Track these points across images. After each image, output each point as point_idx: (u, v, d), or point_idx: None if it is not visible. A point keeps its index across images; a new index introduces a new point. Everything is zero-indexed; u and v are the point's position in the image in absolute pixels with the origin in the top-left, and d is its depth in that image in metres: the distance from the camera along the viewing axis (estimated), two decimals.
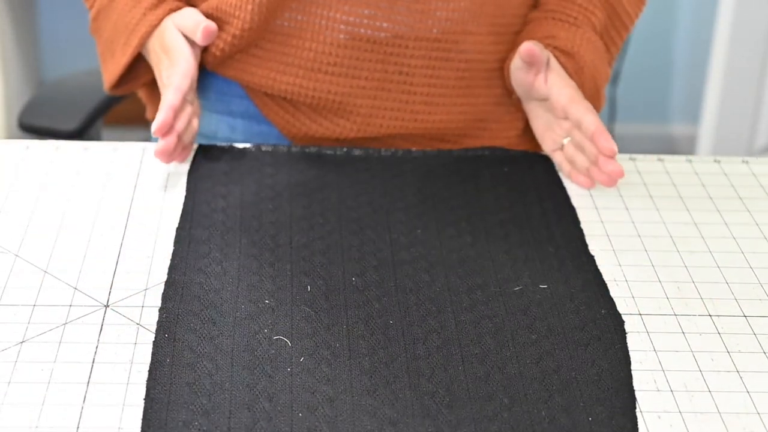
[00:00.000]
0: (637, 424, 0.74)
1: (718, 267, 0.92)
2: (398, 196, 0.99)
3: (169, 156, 0.98)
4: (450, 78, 1.09)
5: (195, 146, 1.05)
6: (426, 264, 0.89)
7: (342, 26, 1.05)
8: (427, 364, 0.78)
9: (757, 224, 0.98)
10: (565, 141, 1.04)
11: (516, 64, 1.07)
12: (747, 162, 1.09)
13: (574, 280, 0.88)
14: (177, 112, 0.99)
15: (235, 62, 1.09)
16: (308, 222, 0.94)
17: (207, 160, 1.03)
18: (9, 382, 0.75)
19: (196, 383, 0.75)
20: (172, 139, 0.97)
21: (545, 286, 0.87)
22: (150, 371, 0.76)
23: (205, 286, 0.85)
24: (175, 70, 1.02)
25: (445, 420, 0.73)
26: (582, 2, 1.10)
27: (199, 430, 0.71)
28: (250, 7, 1.04)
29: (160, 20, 1.06)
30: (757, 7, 2.41)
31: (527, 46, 1.02)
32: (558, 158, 1.05)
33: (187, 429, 0.71)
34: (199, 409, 0.73)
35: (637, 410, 0.75)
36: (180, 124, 0.99)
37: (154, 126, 0.96)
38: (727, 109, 2.50)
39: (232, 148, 1.05)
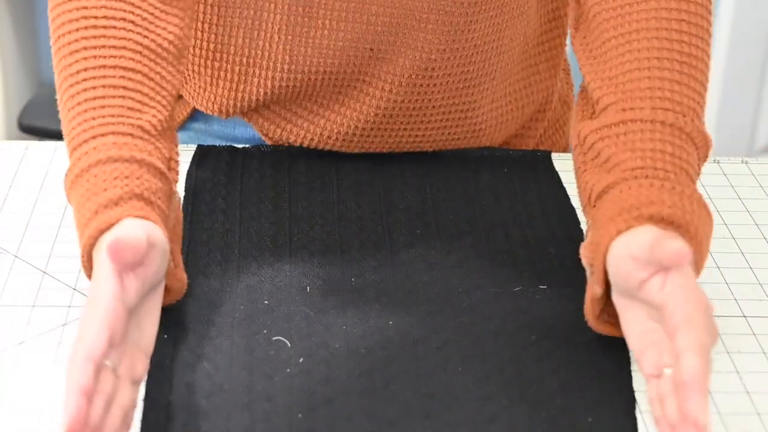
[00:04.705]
0: (636, 425, 0.74)
1: (718, 267, 0.91)
2: (398, 196, 0.99)
3: None
4: (465, 132, 1.06)
5: (194, 147, 1.05)
6: (426, 264, 0.89)
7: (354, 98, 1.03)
8: (427, 364, 0.78)
9: (757, 224, 0.98)
10: (667, 372, 0.72)
11: (626, 252, 0.77)
12: (747, 162, 1.09)
13: (574, 281, 0.88)
14: (90, 394, 0.67)
15: (243, 113, 1.06)
16: (308, 222, 0.94)
17: (207, 160, 1.03)
18: (9, 383, 0.75)
19: (195, 384, 0.75)
20: None
21: (545, 287, 0.87)
22: (149, 372, 0.76)
23: (204, 287, 0.85)
24: (84, 328, 0.70)
25: (444, 421, 0.73)
26: (672, 150, 0.82)
27: (198, 430, 0.71)
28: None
29: (110, 226, 0.76)
30: (757, 7, 2.41)
31: (677, 249, 0.73)
32: (651, 392, 0.73)
33: (187, 430, 0.71)
34: (198, 409, 0.73)
35: (637, 411, 0.75)
36: (96, 411, 0.67)
37: (64, 425, 0.65)
38: (727, 109, 2.50)
39: (232, 148, 1.05)
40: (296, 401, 0.74)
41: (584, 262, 0.82)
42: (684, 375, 0.68)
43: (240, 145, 1.06)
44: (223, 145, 1.07)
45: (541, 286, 0.87)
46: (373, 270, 0.88)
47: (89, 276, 0.78)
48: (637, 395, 0.76)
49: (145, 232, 0.75)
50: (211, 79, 1.04)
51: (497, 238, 0.93)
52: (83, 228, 0.78)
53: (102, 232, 0.76)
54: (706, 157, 0.86)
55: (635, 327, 0.77)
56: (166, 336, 0.79)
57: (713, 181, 1.05)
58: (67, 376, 0.68)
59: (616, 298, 0.79)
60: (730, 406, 0.76)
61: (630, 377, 0.78)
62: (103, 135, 0.81)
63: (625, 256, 0.77)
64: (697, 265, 0.80)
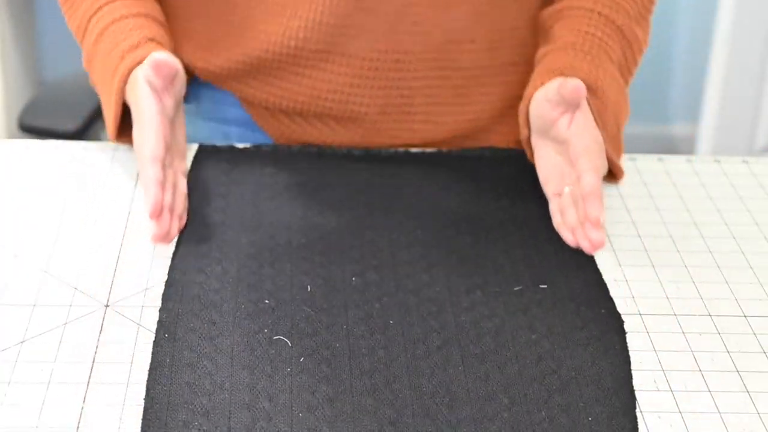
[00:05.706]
0: (637, 424, 0.74)
1: (718, 267, 0.92)
2: (398, 196, 0.99)
3: (169, 237, 0.89)
4: (448, 96, 1.08)
5: (195, 146, 1.05)
6: (426, 264, 0.89)
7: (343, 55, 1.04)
8: (427, 364, 0.78)
9: (757, 224, 0.98)
10: (567, 190, 0.94)
11: (543, 96, 0.97)
12: (747, 162, 1.09)
13: (574, 280, 0.88)
14: (163, 184, 0.90)
15: (231, 79, 1.08)
16: (308, 222, 0.94)
17: (207, 160, 1.03)
18: (9, 382, 0.75)
19: (196, 383, 0.75)
20: (167, 218, 0.89)
21: (545, 286, 0.87)
22: (150, 371, 0.76)
23: (205, 286, 0.85)
24: (143, 138, 0.93)
25: (445, 420, 0.73)
26: (600, 35, 1.03)
27: (199, 429, 0.71)
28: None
29: (137, 63, 0.98)
30: (757, 7, 2.41)
31: (575, 84, 0.93)
32: (553, 206, 0.96)
33: (187, 429, 0.71)
34: (199, 409, 0.73)
35: (637, 410, 0.75)
36: (168, 197, 0.91)
37: (149, 209, 0.87)
38: (727, 109, 2.50)
39: (232, 148, 1.05)
40: (297, 400, 0.74)
41: (519, 115, 1.02)
42: (586, 188, 0.89)
43: (240, 145, 1.06)
44: (221, 141, 1.07)
45: (541, 286, 0.87)
46: (373, 270, 0.88)
47: (116, 126, 1.00)
48: (637, 394, 0.76)
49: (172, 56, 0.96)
50: (217, 29, 1.07)
51: (497, 238, 0.93)
52: (113, 73, 0.98)
53: (131, 70, 0.97)
54: (638, 52, 1.07)
55: (545, 162, 0.98)
56: (166, 335, 0.79)
57: (713, 181, 1.05)
58: (141, 176, 0.92)
59: (535, 140, 1.00)
60: (730, 405, 0.76)
61: (630, 376, 0.78)
62: (113, 1, 1.02)
63: (543, 99, 0.97)
64: (607, 129, 0.99)
